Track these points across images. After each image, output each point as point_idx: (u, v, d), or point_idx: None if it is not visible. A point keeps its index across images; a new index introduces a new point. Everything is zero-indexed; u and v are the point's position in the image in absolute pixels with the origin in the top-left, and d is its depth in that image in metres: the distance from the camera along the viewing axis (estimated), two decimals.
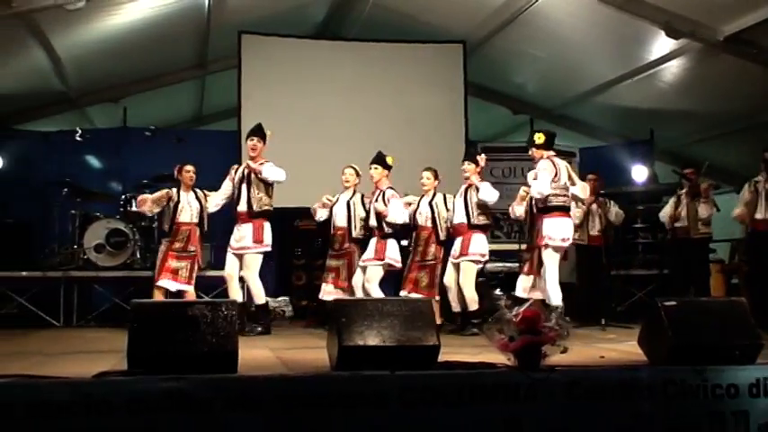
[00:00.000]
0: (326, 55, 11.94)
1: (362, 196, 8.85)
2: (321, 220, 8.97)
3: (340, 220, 8.79)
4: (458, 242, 8.52)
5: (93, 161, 11.70)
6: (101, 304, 10.00)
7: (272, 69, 11.62)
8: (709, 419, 4.50)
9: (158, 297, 8.11)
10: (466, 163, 8.63)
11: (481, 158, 8.69)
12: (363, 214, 8.77)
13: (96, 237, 9.65)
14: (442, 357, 4.83)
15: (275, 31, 11.63)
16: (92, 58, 10.73)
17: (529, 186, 8.06)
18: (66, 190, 9.98)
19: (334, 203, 8.82)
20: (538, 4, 10.00)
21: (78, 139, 10.41)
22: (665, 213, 9.83)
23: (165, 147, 10.24)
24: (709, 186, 9.58)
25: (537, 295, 7.99)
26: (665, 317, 4.98)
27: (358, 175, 8.86)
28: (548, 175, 7.86)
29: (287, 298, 10.34)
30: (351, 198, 8.81)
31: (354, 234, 8.72)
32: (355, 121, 11.70)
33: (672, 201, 9.84)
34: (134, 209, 9.45)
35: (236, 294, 8.24)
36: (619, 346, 6.80)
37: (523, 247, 8.60)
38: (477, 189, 8.45)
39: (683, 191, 9.68)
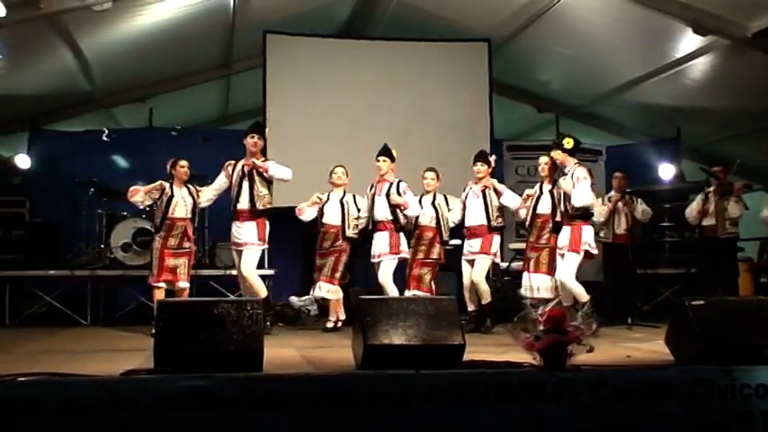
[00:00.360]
0: (351, 54, 11.94)
1: (354, 196, 8.81)
2: (308, 219, 8.83)
3: (332, 218, 8.70)
4: (476, 242, 8.58)
5: (120, 161, 11.76)
6: (127, 303, 10.06)
7: (296, 69, 11.61)
8: (738, 420, 4.45)
9: (159, 296, 7.94)
10: (479, 164, 8.70)
11: (492, 159, 8.82)
12: (356, 213, 8.76)
13: (123, 236, 9.72)
14: (466, 356, 4.83)
15: (300, 30, 11.63)
16: (118, 58, 10.80)
17: (533, 191, 8.48)
18: (93, 190, 10.06)
19: (325, 202, 8.72)
20: (563, 1, 9.96)
21: (105, 139, 10.49)
22: (692, 210, 9.75)
23: (190, 146, 10.28)
24: (743, 186, 9.49)
25: (546, 295, 8.18)
26: (693, 316, 4.95)
27: (347, 174, 8.83)
28: (588, 184, 7.93)
29: (312, 297, 10.33)
30: (343, 197, 8.75)
31: (348, 233, 8.68)
32: (380, 120, 11.67)
33: (699, 198, 9.74)
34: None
35: (257, 291, 8.16)
36: (645, 346, 6.77)
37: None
38: (496, 191, 8.59)
39: (711, 189, 9.59)
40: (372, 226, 8.63)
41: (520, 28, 11.23)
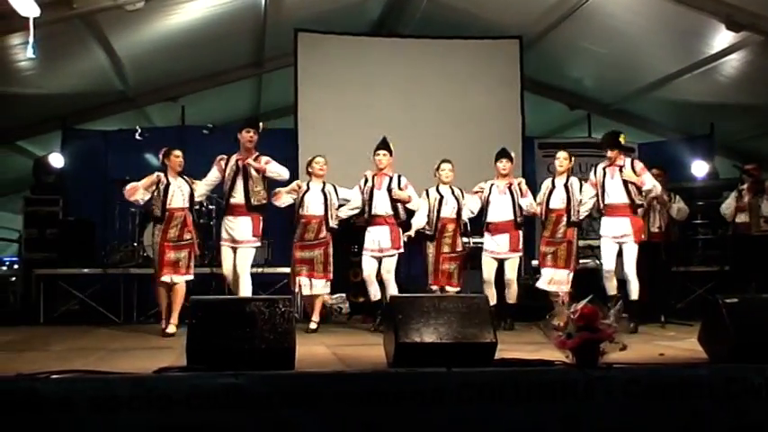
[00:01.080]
0: (382, 52, 11.94)
1: (334, 186, 8.64)
2: (283, 205, 8.60)
3: (315, 208, 8.45)
4: (503, 239, 8.60)
5: (153, 160, 11.79)
6: None
7: (328, 67, 11.63)
8: None
9: (162, 292, 7.87)
10: (505, 161, 8.73)
11: (514, 155, 8.90)
12: (337, 203, 8.63)
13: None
14: (498, 355, 4.82)
15: (331, 28, 11.65)
16: (150, 57, 10.89)
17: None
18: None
19: (305, 192, 8.49)
20: None
21: (138, 137, 10.56)
22: (728, 206, 9.66)
23: (223, 145, 10.24)
24: None
25: (564, 288, 8.31)
26: (726, 314, 4.92)
27: (327, 164, 8.66)
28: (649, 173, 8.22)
29: (343, 295, 10.34)
30: (324, 187, 8.55)
31: (331, 223, 8.50)
32: (411, 117, 11.68)
33: (733, 195, 9.67)
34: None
35: (246, 290, 7.96)
36: (678, 344, 6.72)
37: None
38: (521, 190, 8.67)
39: (744, 186, 9.50)
40: (369, 219, 8.54)
41: (552, 25, 11.18)
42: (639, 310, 8.15)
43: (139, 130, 10.56)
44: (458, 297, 5.14)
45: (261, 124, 8.31)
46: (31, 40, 7.30)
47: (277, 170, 8.14)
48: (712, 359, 5.08)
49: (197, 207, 8.76)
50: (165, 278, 7.81)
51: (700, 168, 11.57)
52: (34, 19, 7.24)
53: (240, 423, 3.99)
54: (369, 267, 8.48)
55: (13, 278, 11.62)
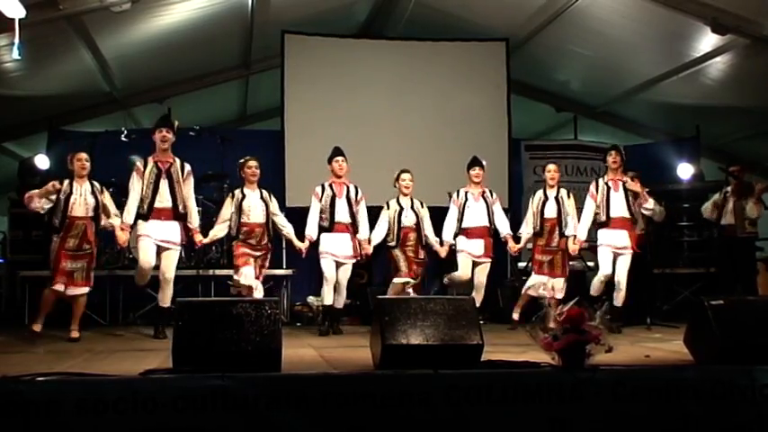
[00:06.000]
0: (369, 54, 11.95)
1: (270, 193, 8.48)
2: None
3: (255, 216, 8.21)
4: (479, 243, 8.88)
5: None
6: (146, 303, 10.06)
7: (315, 69, 11.63)
8: (759, 421, 4.43)
9: (49, 300, 7.51)
10: (477, 168, 8.98)
11: (485, 163, 9.07)
12: (275, 210, 8.44)
13: None
14: (485, 356, 4.82)
15: (318, 30, 11.66)
16: (137, 59, 10.86)
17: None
18: (112, 189, 10.07)
19: (241, 200, 8.21)
20: (581, 1, 9.93)
21: (124, 139, 10.50)
22: (706, 208, 9.74)
23: (209, 146, 10.28)
24: (765, 187, 9.43)
25: (559, 295, 8.59)
26: (712, 316, 4.93)
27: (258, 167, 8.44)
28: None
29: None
30: (262, 195, 8.35)
31: (271, 232, 8.34)
32: (398, 119, 11.70)
33: (716, 196, 9.71)
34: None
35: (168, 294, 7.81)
36: (664, 346, 6.75)
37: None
38: (491, 194, 9.04)
39: (729, 188, 9.54)
40: (330, 226, 8.46)
41: (538, 28, 11.22)
42: (624, 312, 8.42)
43: (125, 132, 10.51)
44: (444, 299, 5.12)
45: (176, 122, 8.08)
46: (16, 41, 7.28)
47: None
48: (698, 361, 5.09)
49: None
50: (58, 287, 7.46)
51: (686, 170, 11.61)
52: (20, 20, 7.21)
53: (227, 425, 3.98)
54: (331, 271, 8.44)
55: None
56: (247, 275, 8.02)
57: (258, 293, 8.00)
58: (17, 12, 7.15)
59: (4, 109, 10.99)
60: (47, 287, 7.58)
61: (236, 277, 8.10)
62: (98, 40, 9.79)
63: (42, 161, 10.89)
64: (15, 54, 7.35)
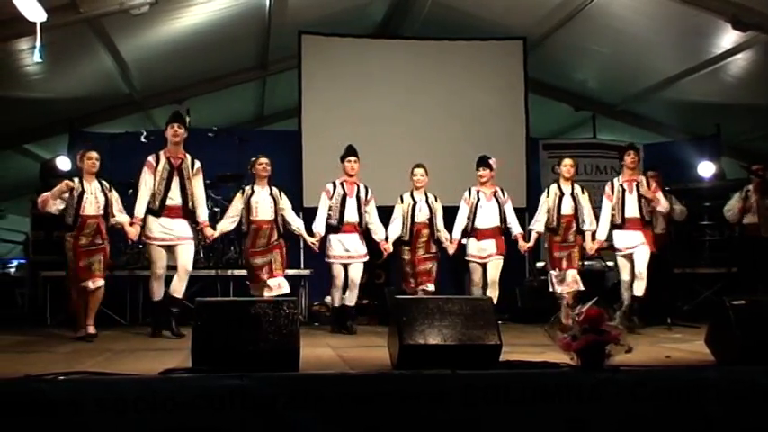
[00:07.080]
0: (386, 54, 11.95)
1: (280, 190, 8.47)
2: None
3: (263, 213, 8.23)
4: (490, 243, 8.81)
5: None
6: None
7: (332, 69, 11.65)
8: None
9: (78, 297, 7.65)
10: (482, 169, 8.92)
11: (493, 162, 8.97)
12: (286, 206, 8.44)
13: None
14: (503, 357, 4.81)
15: (335, 30, 11.68)
16: (155, 61, 10.92)
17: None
18: (131, 191, 10.13)
19: (250, 196, 8.26)
20: None
21: (143, 140, 10.53)
22: (732, 208, 9.63)
23: (227, 147, 10.31)
24: None
25: (576, 287, 8.58)
26: (734, 316, 4.90)
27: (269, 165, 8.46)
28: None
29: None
30: (271, 192, 8.37)
31: (281, 229, 8.33)
32: (416, 119, 11.70)
33: (737, 196, 9.62)
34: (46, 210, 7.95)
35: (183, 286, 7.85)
36: (685, 346, 6.71)
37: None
38: (503, 193, 8.96)
39: (751, 187, 9.47)
40: (339, 226, 8.53)
41: (556, 26, 11.19)
42: (644, 310, 8.39)
43: (144, 133, 10.55)
44: (462, 299, 5.12)
45: (187, 118, 8.12)
46: (37, 44, 7.32)
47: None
48: (719, 361, 5.06)
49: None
50: (86, 284, 7.59)
51: (706, 169, 11.52)
52: (41, 23, 7.26)
53: (245, 424, 3.99)
54: (339, 275, 8.55)
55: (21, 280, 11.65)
56: (281, 285, 8.14)
57: (284, 289, 8.07)
58: (38, 15, 7.19)
59: (25, 111, 11.09)
60: (71, 292, 7.71)
61: (267, 294, 7.98)
62: (117, 42, 9.86)
63: (64, 162, 10.94)
64: (37, 57, 7.39)
